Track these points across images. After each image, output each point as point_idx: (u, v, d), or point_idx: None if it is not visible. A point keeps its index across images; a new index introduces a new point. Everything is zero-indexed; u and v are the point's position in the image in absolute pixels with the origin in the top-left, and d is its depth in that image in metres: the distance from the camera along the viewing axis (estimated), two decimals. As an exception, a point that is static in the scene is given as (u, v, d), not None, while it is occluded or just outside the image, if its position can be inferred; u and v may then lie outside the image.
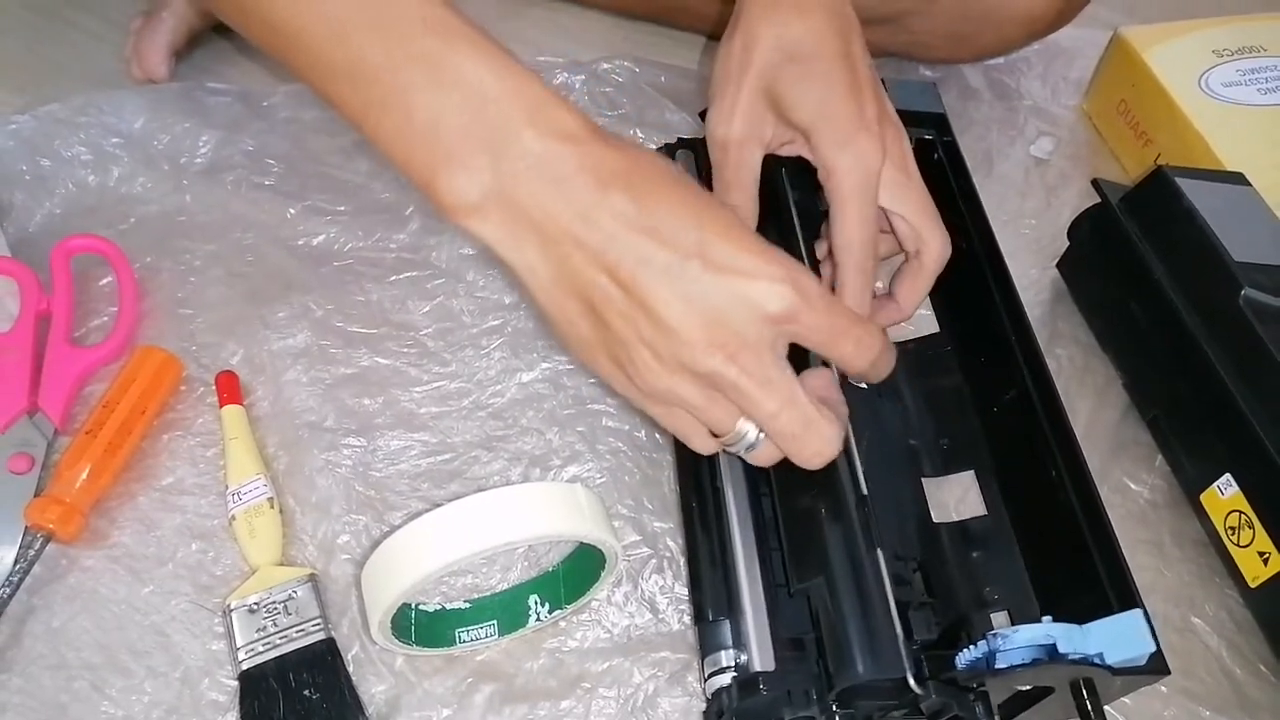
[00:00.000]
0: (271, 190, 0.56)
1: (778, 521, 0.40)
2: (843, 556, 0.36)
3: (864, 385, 0.43)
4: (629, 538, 0.44)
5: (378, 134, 0.34)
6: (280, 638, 0.40)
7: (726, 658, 0.37)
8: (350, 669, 0.40)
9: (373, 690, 0.40)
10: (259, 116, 0.59)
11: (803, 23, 0.42)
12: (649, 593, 0.43)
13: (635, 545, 0.44)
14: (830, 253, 0.43)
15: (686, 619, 0.42)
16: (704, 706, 0.39)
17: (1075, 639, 0.33)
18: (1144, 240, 0.48)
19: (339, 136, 0.59)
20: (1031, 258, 0.56)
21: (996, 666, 0.32)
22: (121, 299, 0.49)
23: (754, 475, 0.41)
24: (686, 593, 0.43)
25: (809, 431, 0.35)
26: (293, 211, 0.55)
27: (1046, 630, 0.33)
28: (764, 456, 0.37)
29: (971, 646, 0.33)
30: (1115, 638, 0.33)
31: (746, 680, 0.36)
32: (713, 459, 0.41)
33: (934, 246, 0.44)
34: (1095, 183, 0.51)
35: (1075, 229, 0.53)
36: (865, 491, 0.37)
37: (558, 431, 0.48)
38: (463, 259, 0.54)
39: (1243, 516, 0.42)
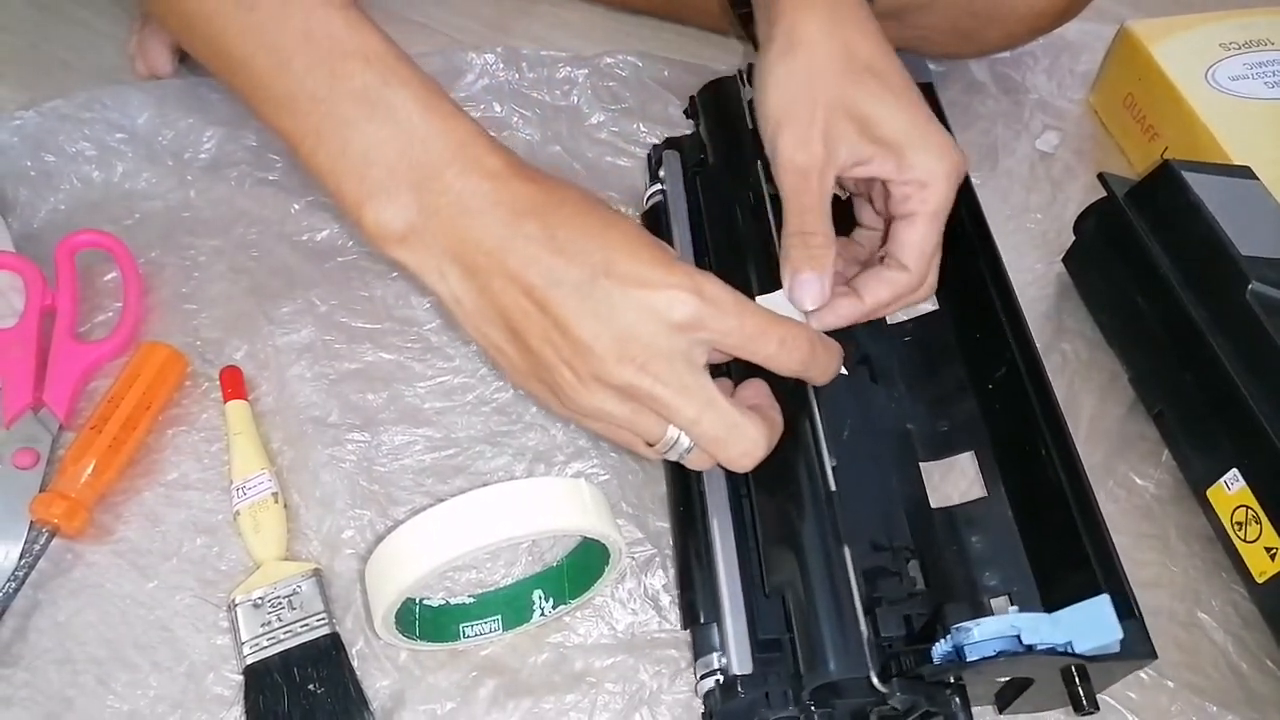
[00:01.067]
0: (275, 186, 0.56)
1: (754, 522, 0.40)
2: (812, 555, 0.36)
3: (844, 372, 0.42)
4: (632, 535, 0.44)
5: (311, 162, 0.36)
6: (285, 632, 0.40)
7: (714, 661, 0.37)
8: (355, 663, 0.40)
9: (377, 684, 0.40)
10: (263, 112, 0.59)
11: (865, 38, 0.42)
12: (652, 589, 0.43)
13: (639, 543, 0.44)
14: (875, 259, 0.43)
15: (689, 615, 0.42)
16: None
17: (1043, 629, 0.32)
18: (1150, 234, 0.48)
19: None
20: (1037, 252, 0.56)
21: (967, 659, 0.32)
22: (126, 294, 0.50)
23: (734, 478, 0.41)
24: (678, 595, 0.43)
25: (732, 434, 0.36)
26: (296, 207, 0.55)
27: (1011, 621, 0.32)
28: (699, 461, 0.38)
29: (942, 641, 0.33)
30: (1082, 625, 0.32)
31: (728, 683, 0.36)
32: None
33: (930, 286, 0.43)
34: (1101, 176, 0.50)
35: (1081, 223, 0.53)
36: (834, 488, 0.37)
37: (561, 427, 0.48)
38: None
39: (1249, 511, 0.42)
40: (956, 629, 0.32)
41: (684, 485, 0.42)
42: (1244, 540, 0.42)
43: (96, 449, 0.44)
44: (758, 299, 0.40)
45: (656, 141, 0.57)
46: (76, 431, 0.45)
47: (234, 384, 0.47)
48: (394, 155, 0.35)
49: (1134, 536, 0.45)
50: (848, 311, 0.41)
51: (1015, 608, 0.39)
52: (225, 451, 0.46)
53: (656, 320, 0.34)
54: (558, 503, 0.37)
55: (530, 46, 0.64)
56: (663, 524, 0.45)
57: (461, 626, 0.41)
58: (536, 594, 0.42)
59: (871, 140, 0.41)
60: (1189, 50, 0.59)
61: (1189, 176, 0.47)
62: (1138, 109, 0.60)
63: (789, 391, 0.40)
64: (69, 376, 0.47)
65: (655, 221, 0.51)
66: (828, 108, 0.41)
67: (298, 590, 0.41)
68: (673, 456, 0.37)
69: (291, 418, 0.47)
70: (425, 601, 0.41)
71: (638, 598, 0.43)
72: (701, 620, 0.38)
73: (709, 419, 0.35)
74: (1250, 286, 0.43)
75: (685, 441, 0.36)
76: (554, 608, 0.41)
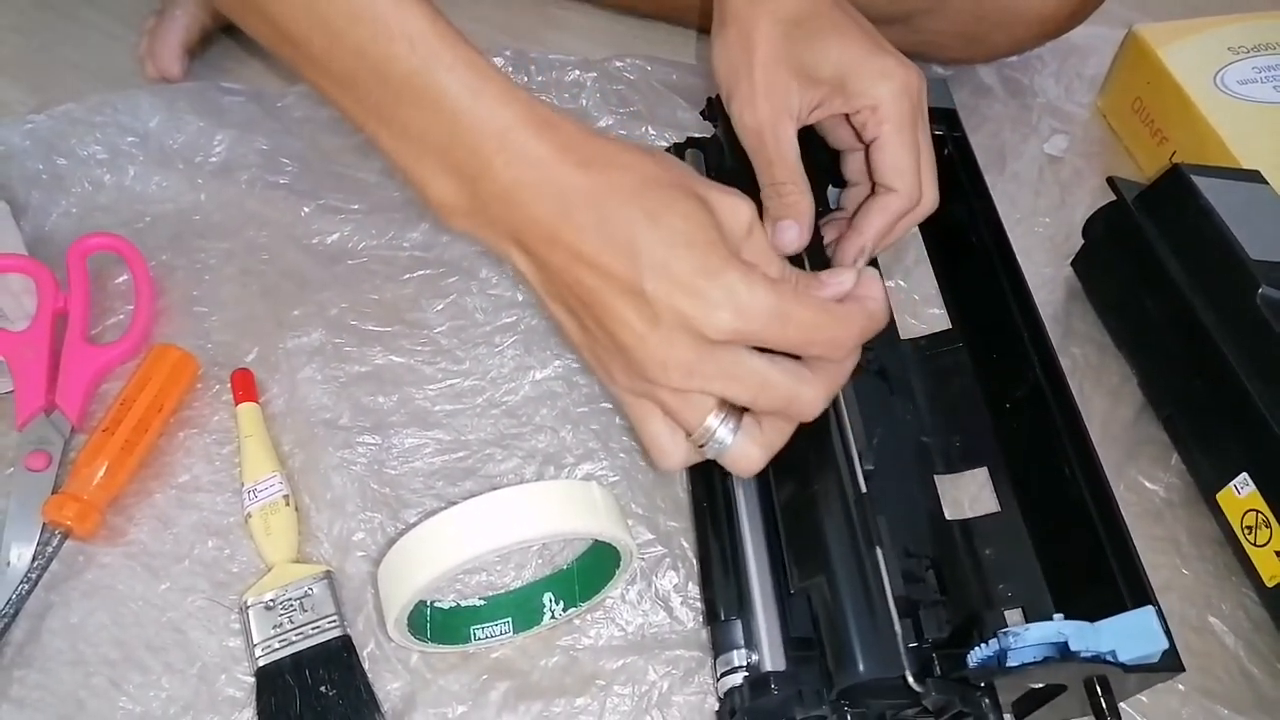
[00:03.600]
0: (285, 189, 0.56)
1: (779, 521, 0.40)
2: (843, 554, 0.36)
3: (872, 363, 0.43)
4: (642, 536, 0.45)
5: (377, 141, 0.37)
6: (296, 634, 0.40)
7: (738, 657, 0.37)
8: (366, 665, 0.40)
9: (388, 687, 0.40)
10: (273, 116, 0.60)
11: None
12: (663, 591, 0.43)
13: (649, 544, 0.44)
14: (847, 205, 0.44)
15: (700, 618, 0.42)
16: (717, 705, 0.39)
17: (1087, 637, 0.33)
18: (1160, 238, 0.48)
19: (352, 136, 0.59)
20: (1046, 255, 0.56)
21: (1008, 665, 0.32)
22: (137, 297, 0.50)
23: (764, 474, 0.41)
24: (699, 592, 0.43)
25: (792, 405, 0.36)
26: (307, 210, 0.55)
27: (1059, 628, 0.32)
28: (738, 459, 0.37)
29: (983, 645, 0.33)
30: (1127, 635, 0.33)
31: (758, 680, 0.36)
32: None
33: (928, 198, 0.44)
34: (1111, 180, 0.50)
35: (1090, 227, 0.53)
36: (865, 489, 0.37)
37: (571, 429, 0.48)
38: (476, 256, 0.54)
39: (1259, 515, 0.42)
40: (1004, 632, 0.32)
41: (708, 482, 0.42)
42: (1254, 544, 0.42)
43: (109, 451, 0.44)
44: None
45: (665, 145, 0.57)
46: (88, 434, 0.45)
47: (245, 387, 0.47)
48: (445, 142, 0.35)
49: (1145, 540, 0.45)
50: (851, 248, 0.43)
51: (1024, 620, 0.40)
52: (236, 454, 0.46)
53: (694, 334, 0.34)
54: (569, 506, 0.37)
55: (539, 50, 0.64)
56: (674, 524, 0.45)
57: (472, 629, 0.41)
58: (547, 596, 0.42)
59: (814, 84, 0.43)
60: (1197, 54, 0.59)
61: (1198, 180, 0.47)
62: (1146, 113, 0.60)
63: None
64: (81, 379, 0.47)
65: None
66: (764, 66, 0.43)
67: (309, 593, 0.41)
68: (709, 450, 0.37)
69: (302, 420, 0.47)
70: (437, 604, 0.41)
71: (648, 599, 0.43)
72: (723, 617, 0.38)
73: (765, 398, 0.35)
74: (1260, 290, 0.43)
75: (724, 434, 0.36)
76: (564, 610, 0.42)
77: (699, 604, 0.43)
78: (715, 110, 0.55)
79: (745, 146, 0.44)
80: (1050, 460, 0.42)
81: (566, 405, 0.48)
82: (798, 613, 0.38)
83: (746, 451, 0.37)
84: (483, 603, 0.42)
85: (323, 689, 0.39)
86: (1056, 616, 0.33)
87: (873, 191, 0.44)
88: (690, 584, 0.43)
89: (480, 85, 0.35)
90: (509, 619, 0.41)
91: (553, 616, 0.41)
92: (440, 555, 0.36)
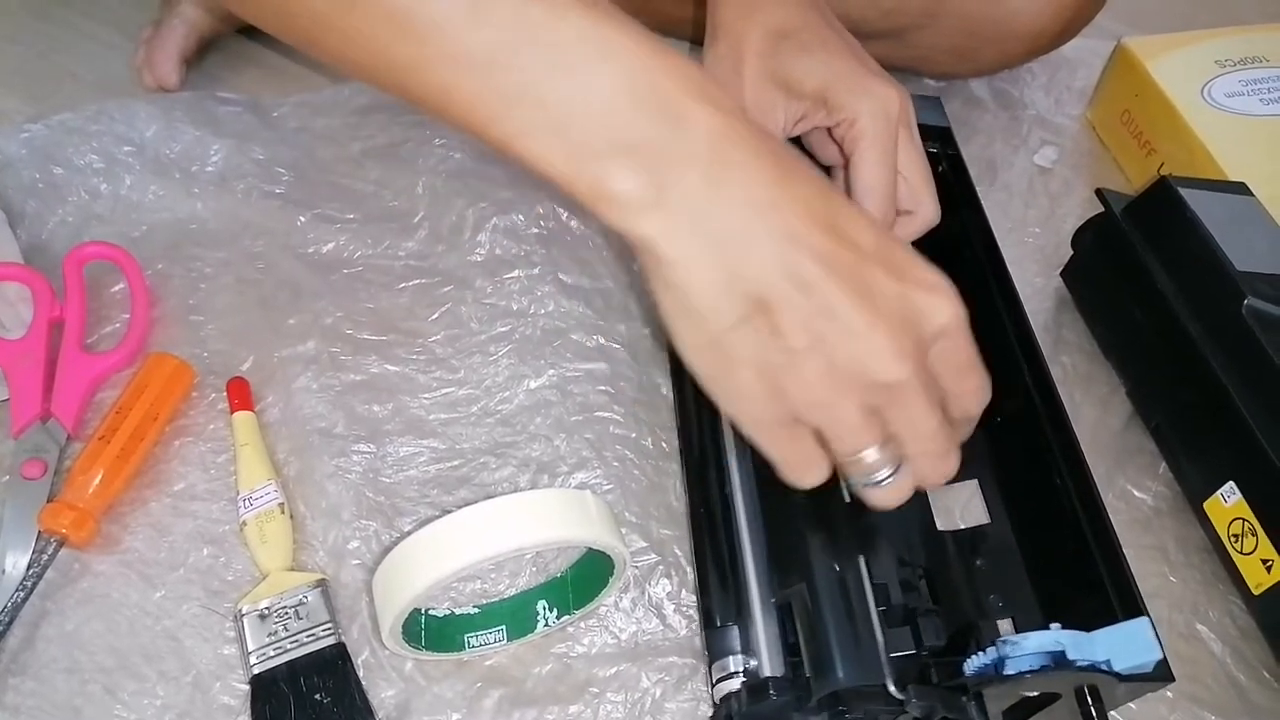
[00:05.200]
0: (281, 198, 0.56)
1: (763, 528, 0.40)
2: (825, 562, 0.37)
3: None
4: (636, 544, 0.45)
5: (510, 133, 0.30)
6: (291, 642, 0.40)
7: (735, 663, 0.37)
8: (360, 673, 0.40)
9: (383, 694, 0.40)
10: (269, 126, 0.60)
11: (781, 9, 0.44)
12: (656, 599, 0.43)
13: (642, 552, 0.45)
14: None
15: (693, 625, 0.43)
16: (709, 711, 0.39)
17: (1083, 646, 0.33)
18: (1147, 249, 0.48)
19: (347, 146, 0.59)
20: (1035, 266, 0.57)
21: (1005, 672, 0.33)
22: (133, 306, 0.50)
23: (763, 482, 0.41)
24: (693, 599, 0.43)
25: (951, 451, 0.33)
26: (302, 219, 0.55)
27: (1056, 637, 0.33)
28: (888, 495, 0.33)
29: (981, 653, 0.33)
30: (1122, 645, 0.33)
31: (756, 685, 0.36)
32: (721, 464, 0.42)
33: (927, 210, 0.45)
34: (1099, 192, 0.51)
35: (1079, 238, 0.53)
36: (849, 497, 0.38)
37: (565, 438, 0.48)
38: (470, 266, 0.54)
39: (1245, 524, 0.42)
40: (1003, 641, 0.33)
41: (706, 488, 0.42)
42: (1240, 553, 0.42)
43: (104, 459, 0.44)
44: None
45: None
46: (84, 442, 0.45)
47: (240, 395, 0.47)
48: (622, 106, 0.30)
49: (1133, 548, 0.45)
50: None
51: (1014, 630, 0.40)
52: (232, 462, 0.46)
53: (922, 323, 0.31)
54: (563, 514, 0.38)
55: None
56: (667, 532, 0.45)
57: (466, 637, 0.41)
58: (541, 604, 0.42)
59: (799, 97, 0.44)
60: (1185, 67, 0.59)
61: (1185, 192, 0.48)
62: (1134, 125, 0.61)
63: None
64: (77, 387, 0.47)
65: None
66: (752, 80, 0.44)
67: (304, 600, 0.41)
68: (864, 480, 0.33)
69: (298, 429, 0.47)
70: (431, 612, 0.41)
71: (641, 606, 0.43)
72: (719, 623, 0.38)
73: (944, 434, 0.32)
74: (1245, 301, 0.44)
75: (881, 466, 0.32)
76: (558, 618, 0.42)
77: (692, 611, 0.43)
78: None
79: None
80: (1041, 473, 0.42)
81: (560, 414, 0.49)
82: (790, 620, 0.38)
83: (896, 491, 0.33)
84: (477, 611, 0.42)
85: (317, 697, 0.39)
86: (1054, 626, 0.34)
87: None
88: (684, 592, 0.44)
89: (648, 38, 0.31)
90: (503, 627, 0.42)
91: (546, 624, 0.42)
92: (435, 563, 0.36)
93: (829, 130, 0.44)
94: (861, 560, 0.36)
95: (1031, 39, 0.59)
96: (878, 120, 0.43)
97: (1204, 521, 0.45)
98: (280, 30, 0.32)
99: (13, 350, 0.47)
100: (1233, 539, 0.43)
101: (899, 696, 0.34)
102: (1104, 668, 0.33)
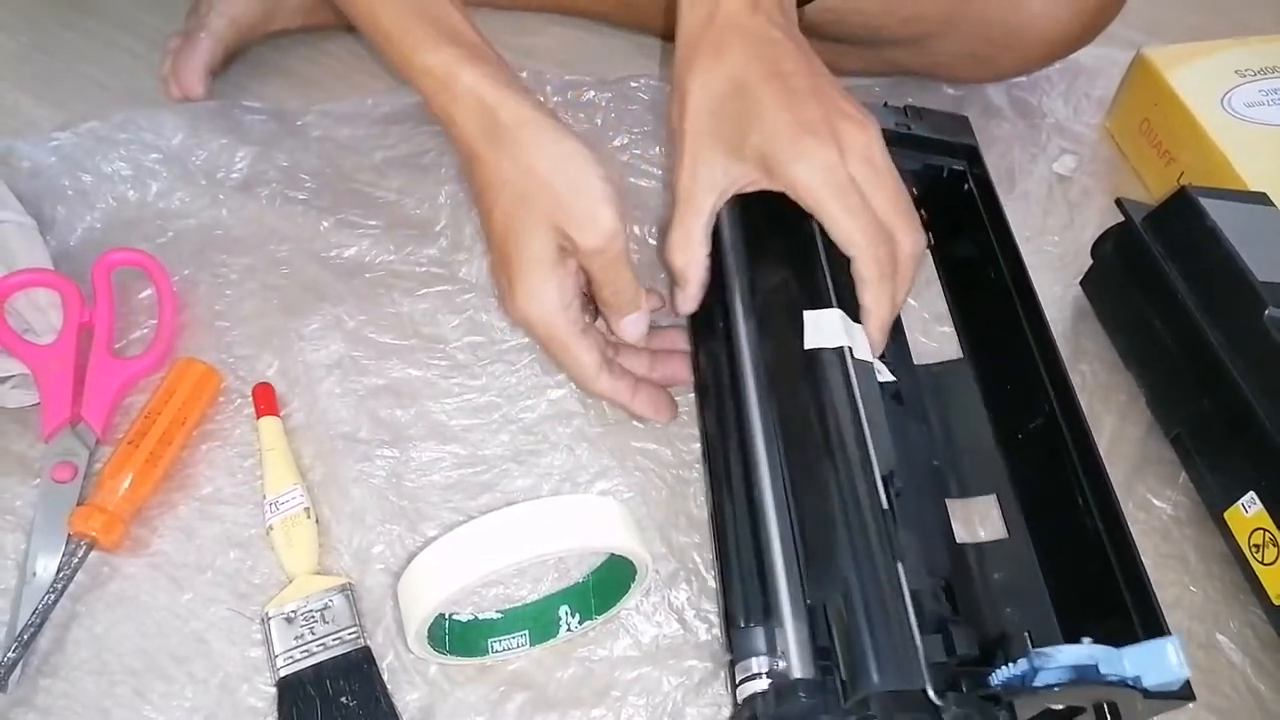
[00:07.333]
0: (305, 205, 0.57)
1: (796, 532, 0.40)
2: (865, 568, 0.37)
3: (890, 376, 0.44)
4: (656, 550, 0.45)
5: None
6: (317, 645, 0.41)
7: (758, 664, 0.36)
8: (385, 677, 0.41)
9: (407, 698, 0.41)
10: (292, 134, 0.61)
11: (721, 65, 0.43)
12: (677, 604, 0.44)
13: (663, 559, 0.45)
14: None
15: (713, 630, 0.43)
16: (728, 714, 0.39)
17: (1114, 661, 0.33)
18: (1168, 259, 0.48)
19: (370, 154, 0.60)
20: (1055, 275, 0.57)
21: (1035, 684, 0.33)
22: (161, 311, 0.51)
23: (795, 482, 0.41)
24: (712, 605, 0.44)
25: None
26: (325, 225, 0.56)
27: (1089, 651, 0.33)
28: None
29: (1011, 664, 0.33)
30: (1150, 663, 0.33)
31: (785, 687, 0.36)
32: (749, 465, 0.41)
33: (905, 241, 0.42)
34: (1119, 202, 0.51)
35: (1099, 247, 0.53)
36: (886, 506, 0.38)
37: (587, 448, 0.48)
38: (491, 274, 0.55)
39: (1266, 534, 0.42)
40: (1036, 653, 0.33)
41: (730, 486, 0.42)
42: (1261, 563, 0.42)
43: (133, 463, 0.44)
44: (805, 314, 0.41)
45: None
46: (113, 446, 0.46)
47: (266, 400, 0.48)
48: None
49: (1153, 558, 0.45)
50: (874, 338, 0.43)
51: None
52: (258, 467, 0.46)
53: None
54: (588, 520, 0.38)
55: (555, 70, 0.65)
56: (686, 539, 0.46)
57: (490, 641, 0.42)
58: (563, 609, 0.42)
59: (741, 159, 0.43)
60: (1205, 76, 0.59)
61: (1206, 202, 0.48)
62: (1154, 134, 0.61)
63: (839, 404, 0.40)
64: (106, 392, 0.48)
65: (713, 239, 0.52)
66: (695, 137, 0.43)
67: (330, 604, 0.42)
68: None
69: (322, 433, 0.48)
70: (455, 617, 0.42)
71: (662, 611, 0.44)
72: (743, 624, 0.38)
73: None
74: (1267, 311, 0.44)
75: None
76: (580, 623, 0.42)
77: (712, 616, 0.43)
78: None
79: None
80: (1062, 490, 0.42)
81: (582, 424, 0.49)
82: (822, 623, 0.38)
83: None
84: (500, 615, 0.43)
85: (343, 699, 0.40)
86: (1085, 640, 0.34)
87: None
88: (703, 598, 0.44)
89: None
90: (526, 631, 0.42)
91: (568, 629, 0.42)
92: (460, 570, 0.37)
93: None
94: (900, 566, 0.36)
95: (1050, 44, 0.59)
96: (816, 177, 0.41)
97: (1224, 531, 0.45)
98: None
99: (43, 355, 0.48)
100: (1253, 549, 0.43)
101: (937, 703, 0.33)
102: (1132, 684, 0.33)
